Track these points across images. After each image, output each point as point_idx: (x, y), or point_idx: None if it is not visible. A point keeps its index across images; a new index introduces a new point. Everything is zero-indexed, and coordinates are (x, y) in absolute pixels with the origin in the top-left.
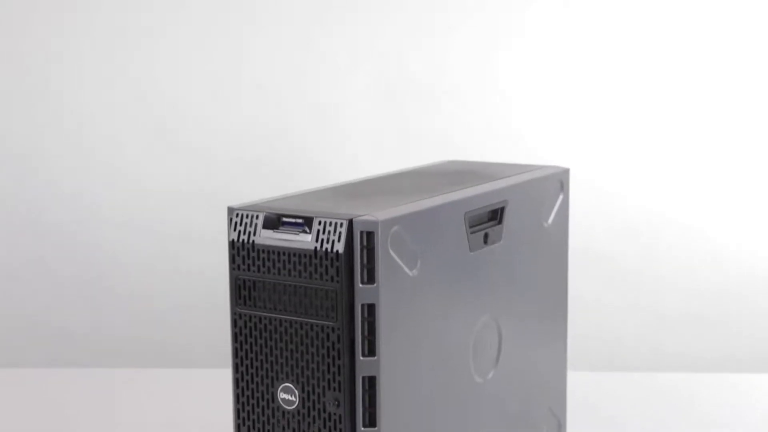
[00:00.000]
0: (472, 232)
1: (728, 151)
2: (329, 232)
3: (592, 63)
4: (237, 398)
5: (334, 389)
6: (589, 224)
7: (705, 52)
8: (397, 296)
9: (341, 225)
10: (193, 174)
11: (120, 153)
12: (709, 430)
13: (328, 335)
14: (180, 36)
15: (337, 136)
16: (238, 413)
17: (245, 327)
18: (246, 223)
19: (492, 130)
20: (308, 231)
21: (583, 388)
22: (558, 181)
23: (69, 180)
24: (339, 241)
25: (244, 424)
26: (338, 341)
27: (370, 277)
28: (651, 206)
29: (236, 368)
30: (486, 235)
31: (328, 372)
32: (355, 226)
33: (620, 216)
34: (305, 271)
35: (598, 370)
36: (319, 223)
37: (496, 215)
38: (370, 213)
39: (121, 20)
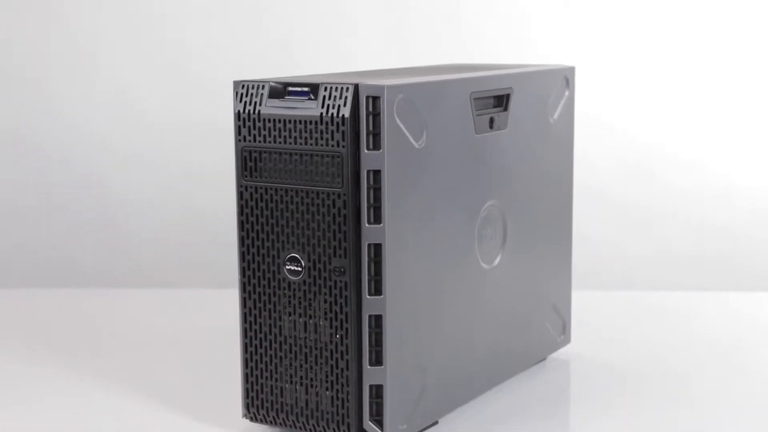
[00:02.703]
0: (478, 115)
1: (737, 84)
2: (335, 97)
3: None
4: (242, 272)
5: (340, 256)
6: (593, 159)
7: None
8: (403, 166)
9: (347, 90)
10: (199, 108)
11: (127, 87)
12: (711, 346)
13: (333, 201)
14: None
15: (343, 56)
16: (243, 287)
17: (251, 199)
18: (252, 94)
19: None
20: (314, 98)
21: (585, 305)
22: (563, 77)
23: (76, 114)
24: (345, 105)
25: (249, 298)
26: (344, 207)
27: (376, 144)
28: (656, 141)
29: (242, 241)
30: (492, 120)
31: (334, 239)
32: (361, 90)
33: (626, 151)
34: (311, 138)
35: (599, 289)
36: (325, 89)
37: (501, 102)
38: (377, 81)
39: None
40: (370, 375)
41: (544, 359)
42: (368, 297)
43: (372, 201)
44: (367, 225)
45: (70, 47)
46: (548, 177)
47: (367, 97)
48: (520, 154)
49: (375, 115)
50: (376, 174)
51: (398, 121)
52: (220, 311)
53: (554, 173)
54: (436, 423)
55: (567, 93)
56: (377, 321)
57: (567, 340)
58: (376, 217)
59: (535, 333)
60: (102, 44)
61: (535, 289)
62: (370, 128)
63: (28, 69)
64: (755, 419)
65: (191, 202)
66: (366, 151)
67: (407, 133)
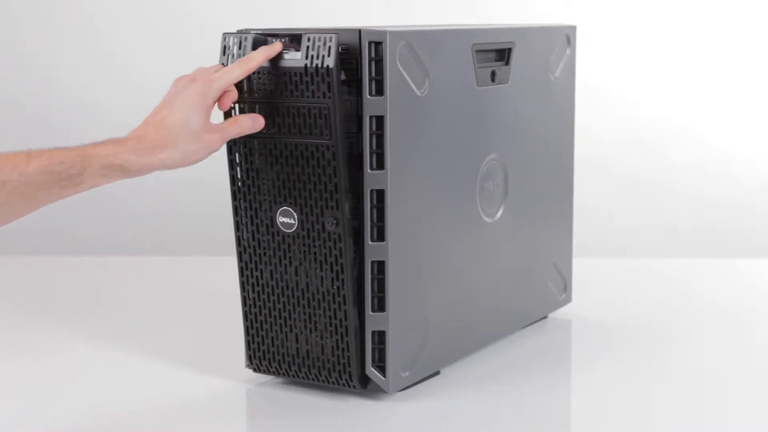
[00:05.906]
0: (479, 67)
1: (738, 59)
2: (318, 47)
3: None
4: (237, 226)
5: (332, 208)
6: (597, 132)
7: None
8: (405, 112)
9: (330, 39)
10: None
11: (125, 55)
12: (707, 307)
13: (323, 153)
14: None
15: (344, 17)
16: (239, 241)
17: (240, 153)
18: (235, 46)
19: None
20: (298, 49)
21: (585, 271)
22: (564, 35)
23: (74, 83)
24: (329, 56)
25: (245, 252)
26: (333, 159)
27: (379, 89)
28: (660, 114)
29: (234, 196)
30: (493, 73)
31: (325, 191)
32: (363, 36)
33: (627, 124)
34: (296, 89)
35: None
36: (308, 39)
37: (503, 56)
38: (379, 28)
39: None
40: (373, 321)
41: (546, 317)
42: (371, 243)
43: (375, 147)
44: (369, 171)
45: (70, 17)
46: (549, 134)
47: (370, 43)
48: (521, 109)
49: (377, 60)
50: (379, 120)
51: (400, 67)
52: (220, 276)
53: (555, 131)
54: (437, 373)
55: (568, 51)
56: (380, 267)
57: (568, 299)
58: (379, 163)
59: (537, 290)
60: (101, 12)
61: (536, 246)
62: (373, 74)
63: (27, 39)
64: (747, 376)
65: (187, 172)
66: (368, 96)
67: (409, 81)
